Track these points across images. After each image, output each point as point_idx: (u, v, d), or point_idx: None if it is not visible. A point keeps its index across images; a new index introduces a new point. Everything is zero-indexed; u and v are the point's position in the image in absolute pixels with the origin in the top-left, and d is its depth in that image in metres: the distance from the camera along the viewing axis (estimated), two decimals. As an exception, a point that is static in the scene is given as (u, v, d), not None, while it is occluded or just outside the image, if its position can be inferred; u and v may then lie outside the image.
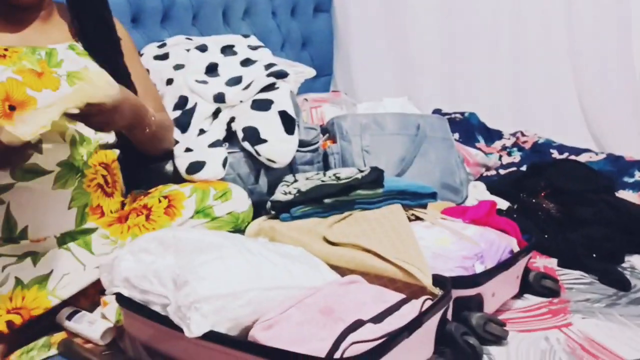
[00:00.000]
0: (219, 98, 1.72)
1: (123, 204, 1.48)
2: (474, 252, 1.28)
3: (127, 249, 1.15)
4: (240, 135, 1.65)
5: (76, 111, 1.13)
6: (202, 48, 1.91)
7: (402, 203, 1.46)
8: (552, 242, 1.64)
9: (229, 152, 1.62)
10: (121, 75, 1.45)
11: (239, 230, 1.45)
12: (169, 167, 1.60)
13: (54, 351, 1.21)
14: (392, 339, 0.98)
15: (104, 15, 1.46)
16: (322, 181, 1.51)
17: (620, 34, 2.53)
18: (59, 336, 1.25)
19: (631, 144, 2.49)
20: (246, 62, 1.87)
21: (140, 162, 1.55)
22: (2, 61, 1.29)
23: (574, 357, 1.18)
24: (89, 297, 1.31)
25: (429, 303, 1.10)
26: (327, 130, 1.93)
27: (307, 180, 1.55)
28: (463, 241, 1.32)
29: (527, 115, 2.74)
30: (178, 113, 1.69)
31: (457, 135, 2.44)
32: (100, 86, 1.18)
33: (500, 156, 2.39)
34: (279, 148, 1.64)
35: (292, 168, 1.69)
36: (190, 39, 2.00)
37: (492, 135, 2.58)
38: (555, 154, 2.36)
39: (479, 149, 2.38)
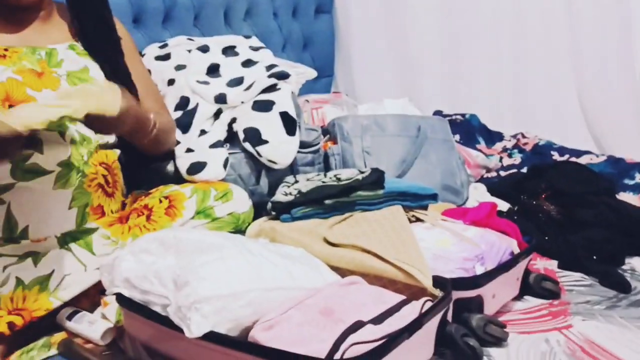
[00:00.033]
0: (220, 99, 1.72)
1: (124, 204, 1.48)
2: (475, 254, 1.28)
3: (127, 250, 1.16)
4: (241, 136, 1.65)
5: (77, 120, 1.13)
6: (204, 49, 1.92)
7: (402, 204, 1.46)
8: (553, 244, 1.64)
9: (230, 153, 1.62)
10: (121, 75, 1.45)
11: (240, 231, 1.45)
12: (169, 167, 1.60)
13: (54, 351, 1.21)
14: (392, 340, 0.98)
15: (104, 15, 1.46)
16: (323, 182, 1.51)
17: (621, 34, 2.53)
18: (59, 336, 1.25)
19: (632, 145, 2.49)
20: (247, 63, 1.87)
21: (141, 162, 1.55)
22: (2, 61, 1.29)
23: (574, 359, 1.18)
24: (90, 297, 1.31)
25: (429, 304, 1.10)
26: (328, 132, 1.93)
27: (307, 181, 1.55)
28: (463, 243, 1.32)
29: (528, 116, 2.74)
30: (179, 114, 1.69)
31: (457, 137, 2.44)
32: (105, 99, 1.18)
33: (501, 158, 2.39)
34: (280, 149, 1.64)
35: (293, 169, 1.69)
36: (192, 40, 2.00)
37: (493, 137, 2.58)
38: (555, 156, 2.36)
39: (480, 150, 2.37)
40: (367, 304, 1.08)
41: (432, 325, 1.09)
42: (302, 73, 2.05)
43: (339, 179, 1.52)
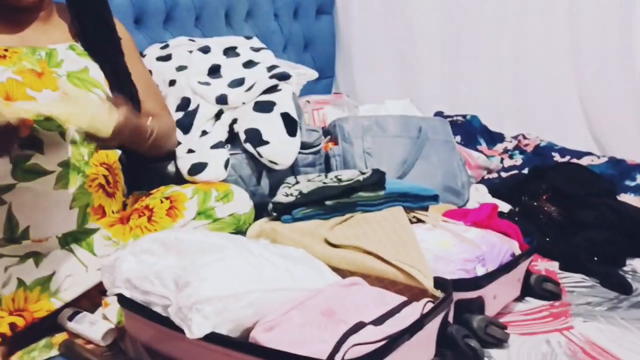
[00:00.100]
0: (222, 100, 1.72)
1: (125, 205, 1.48)
2: (476, 255, 1.28)
3: (129, 250, 1.16)
4: (242, 136, 1.65)
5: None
6: (205, 49, 1.92)
7: (403, 205, 1.46)
8: (554, 245, 1.64)
9: (231, 154, 1.62)
10: (122, 75, 1.45)
11: (241, 231, 1.45)
12: (170, 168, 1.61)
13: (55, 352, 1.21)
14: (393, 342, 0.98)
15: (104, 15, 1.46)
16: (324, 183, 1.51)
17: (621, 35, 2.53)
18: (60, 337, 1.25)
19: (633, 146, 2.48)
20: (249, 64, 1.87)
21: (141, 162, 1.55)
22: (2, 62, 1.29)
23: (575, 361, 1.18)
24: (91, 297, 1.31)
25: (430, 305, 1.10)
26: (329, 132, 1.93)
27: (308, 182, 1.55)
28: (464, 244, 1.32)
29: (529, 117, 2.74)
30: (180, 114, 1.69)
31: (458, 138, 2.44)
32: (100, 119, 1.15)
33: (502, 159, 2.39)
34: (281, 150, 1.64)
35: (293, 170, 1.69)
36: (193, 41, 2.00)
37: (494, 138, 2.58)
38: (557, 157, 2.36)
39: (481, 151, 2.37)
40: (368, 305, 1.08)
41: (433, 326, 1.09)
42: (303, 74, 2.05)
43: (339, 180, 1.52)
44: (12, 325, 1.21)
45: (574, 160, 2.28)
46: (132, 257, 1.13)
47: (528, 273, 1.42)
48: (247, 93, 1.73)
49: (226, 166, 1.58)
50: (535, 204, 1.83)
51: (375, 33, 3.00)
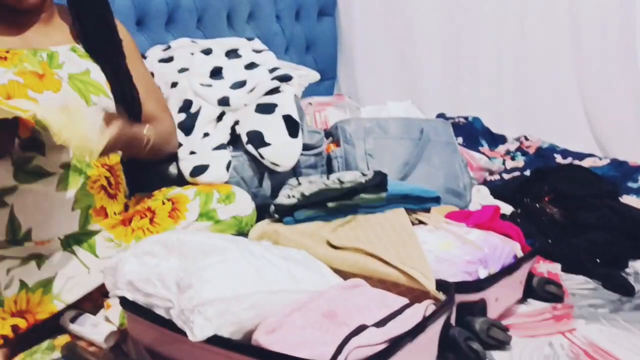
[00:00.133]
0: (223, 101, 1.72)
1: (126, 206, 1.48)
2: (478, 257, 1.28)
3: (131, 252, 1.15)
4: (244, 138, 1.65)
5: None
6: (207, 51, 1.92)
7: (405, 207, 1.46)
8: (556, 247, 1.64)
9: (233, 156, 1.62)
10: (123, 77, 1.45)
11: (243, 233, 1.45)
12: (172, 169, 1.60)
13: (57, 354, 1.21)
14: (396, 344, 0.98)
15: (106, 17, 1.45)
16: (326, 185, 1.51)
17: (623, 36, 2.53)
18: (62, 339, 1.25)
19: (635, 148, 2.49)
20: (250, 66, 1.87)
21: (143, 164, 1.55)
22: (3, 63, 1.28)
23: (578, 363, 1.18)
24: (93, 299, 1.31)
25: (432, 308, 1.10)
26: (331, 134, 1.93)
27: (310, 183, 1.55)
28: (467, 246, 1.32)
29: (530, 118, 2.74)
30: (182, 116, 1.69)
31: (460, 140, 2.44)
32: (88, 143, 1.14)
33: (504, 161, 2.39)
34: (282, 151, 1.64)
35: (295, 171, 1.69)
36: (195, 42, 2.00)
37: (496, 140, 2.58)
38: (559, 159, 2.36)
39: (483, 153, 2.38)
40: (370, 307, 1.08)
41: (435, 328, 1.09)
42: (304, 75, 2.05)
43: (341, 182, 1.51)
44: (14, 327, 1.21)
45: (576, 162, 2.28)
46: (134, 259, 1.13)
47: (530, 275, 1.42)
48: (249, 95, 1.73)
49: (228, 168, 1.58)
50: (537, 205, 1.83)
51: (377, 35, 3.00)
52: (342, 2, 3.01)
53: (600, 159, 2.32)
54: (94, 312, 1.29)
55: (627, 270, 1.58)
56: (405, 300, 1.13)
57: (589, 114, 2.67)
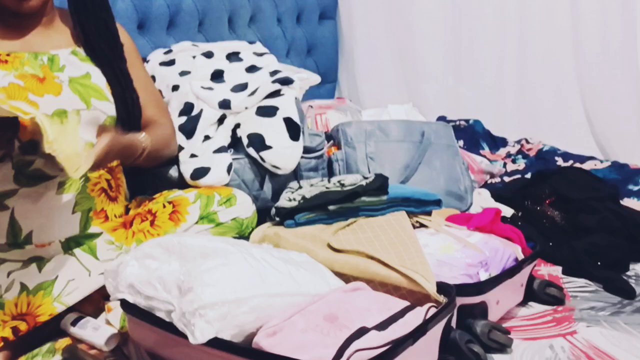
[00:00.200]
0: (225, 104, 1.72)
1: (127, 209, 1.48)
2: (479, 260, 1.28)
3: (131, 255, 1.15)
4: (245, 141, 1.65)
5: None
6: (208, 54, 1.92)
7: (406, 210, 1.46)
8: (557, 249, 1.64)
9: (233, 158, 1.63)
10: (123, 81, 1.45)
11: (243, 236, 1.45)
12: (173, 172, 1.61)
13: (58, 357, 1.21)
14: (397, 347, 0.98)
15: (106, 21, 1.46)
16: (327, 188, 1.51)
17: (625, 39, 2.53)
18: (63, 342, 1.25)
19: (636, 150, 2.48)
20: (252, 69, 1.88)
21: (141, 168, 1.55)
22: (4, 66, 1.29)
23: (579, 366, 1.18)
24: (94, 302, 1.31)
25: (433, 310, 1.10)
26: (332, 137, 1.93)
27: (311, 186, 1.55)
28: (467, 249, 1.32)
29: (531, 121, 2.74)
30: (183, 119, 1.70)
31: (461, 143, 2.45)
32: (74, 160, 1.13)
33: (505, 163, 2.39)
34: (283, 154, 1.64)
35: (296, 174, 1.69)
36: (196, 46, 2.00)
37: (497, 143, 2.58)
38: (559, 162, 2.36)
39: (484, 156, 2.37)
40: (371, 310, 1.08)
41: (436, 331, 1.09)
42: (305, 79, 2.05)
43: (342, 185, 1.52)
44: (15, 330, 1.21)
45: (577, 165, 2.28)
46: (135, 262, 1.13)
47: (531, 278, 1.41)
48: (250, 98, 1.73)
49: (229, 170, 1.58)
50: (538, 208, 1.83)
51: (378, 38, 3.00)
52: (343, 5, 3.02)
53: (601, 161, 2.32)
54: (95, 315, 1.29)
55: (628, 273, 1.58)
56: (406, 303, 1.12)
57: (590, 116, 2.67)
